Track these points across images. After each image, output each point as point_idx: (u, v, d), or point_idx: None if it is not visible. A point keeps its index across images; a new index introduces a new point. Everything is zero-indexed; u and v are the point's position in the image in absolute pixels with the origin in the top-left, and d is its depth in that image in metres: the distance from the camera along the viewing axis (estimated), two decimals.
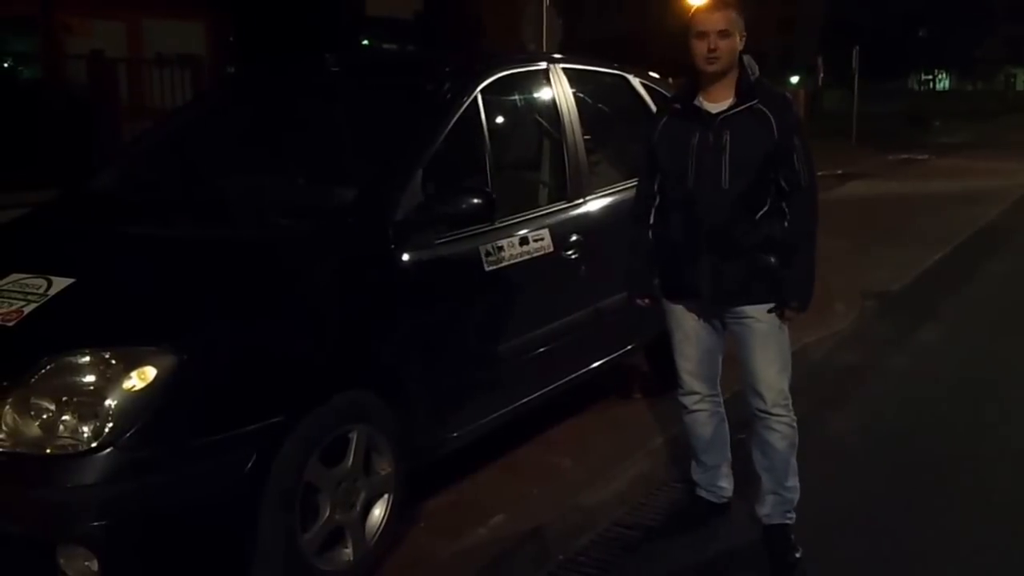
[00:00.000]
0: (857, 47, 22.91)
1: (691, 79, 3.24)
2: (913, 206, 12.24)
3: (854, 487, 3.90)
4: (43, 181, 7.27)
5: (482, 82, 3.79)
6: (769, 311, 3.21)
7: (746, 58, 3.16)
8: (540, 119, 4.33)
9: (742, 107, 3.12)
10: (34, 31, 14.41)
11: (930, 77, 62.50)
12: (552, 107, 4.22)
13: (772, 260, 3.16)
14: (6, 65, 15.07)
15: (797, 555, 3.29)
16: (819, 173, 3.30)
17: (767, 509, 3.38)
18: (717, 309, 3.29)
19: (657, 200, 3.34)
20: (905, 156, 20.08)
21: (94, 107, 11.80)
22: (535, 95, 4.30)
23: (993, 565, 3.34)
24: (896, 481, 3.97)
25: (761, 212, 3.14)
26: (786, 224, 3.16)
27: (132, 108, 12.36)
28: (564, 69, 4.33)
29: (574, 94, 4.28)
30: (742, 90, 3.13)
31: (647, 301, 3.46)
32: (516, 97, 4.31)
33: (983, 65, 59.67)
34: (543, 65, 4.30)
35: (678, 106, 3.27)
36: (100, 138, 11.18)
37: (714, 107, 3.16)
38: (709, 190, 3.13)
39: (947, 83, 65.74)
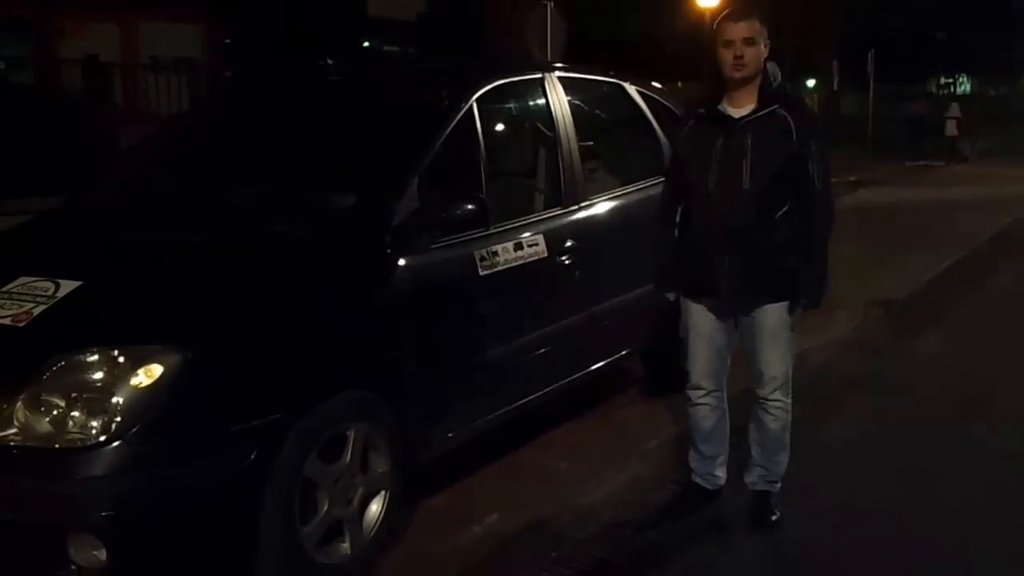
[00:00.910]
0: (872, 51, 22.93)
1: (716, 86, 3.51)
2: (925, 214, 12.30)
3: (853, 491, 4.00)
4: (36, 187, 7.44)
5: (477, 91, 3.99)
6: (782, 307, 3.49)
7: (770, 65, 3.44)
8: (535, 126, 4.54)
9: (764, 112, 3.40)
10: (28, 35, 14.55)
11: (950, 80, 62.26)
12: (547, 115, 4.42)
13: (789, 259, 3.44)
14: None
15: (774, 517, 3.65)
16: (832, 180, 3.55)
17: (753, 477, 3.73)
18: (733, 306, 3.55)
19: (683, 201, 3.61)
20: (922, 163, 20.18)
21: (88, 112, 11.96)
22: (530, 103, 4.51)
23: (992, 569, 3.46)
24: (895, 486, 4.08)
25: (780, 212, 3.42)
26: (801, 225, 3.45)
27: (127, 112, 12.51)
28: (560, 78, 4.54)
29: (570, 102, 4.49)
30: (764, 96, 3.42)
31: (674, 297, 3.74)
32: (511, 105, 4.53)
33: (1006, 69, 59.39)
34: (538, 74, 4.51)
35: (703, 111, 3.55)
36: (94, 143, 11.33)
37: (737, 112, 3.44)
38: (730, 191, 3.39)
39: (968, 87, 65.50)
